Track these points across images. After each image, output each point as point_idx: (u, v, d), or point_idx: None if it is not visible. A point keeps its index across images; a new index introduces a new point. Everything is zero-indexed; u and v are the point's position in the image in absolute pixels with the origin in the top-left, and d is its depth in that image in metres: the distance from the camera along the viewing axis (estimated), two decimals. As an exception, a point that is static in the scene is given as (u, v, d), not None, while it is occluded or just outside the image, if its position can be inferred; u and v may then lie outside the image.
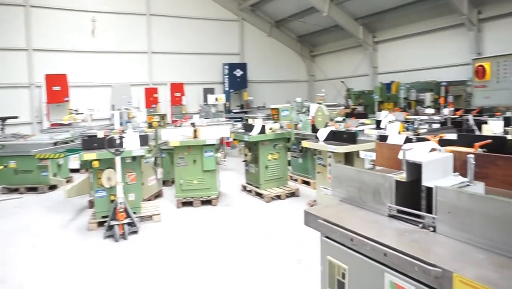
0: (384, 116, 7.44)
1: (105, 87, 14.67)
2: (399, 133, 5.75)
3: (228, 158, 10.17)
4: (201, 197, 6.65)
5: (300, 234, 4.92)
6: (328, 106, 8.12)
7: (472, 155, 2.07)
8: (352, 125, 6.92)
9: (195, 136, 6.65)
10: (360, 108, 12.05)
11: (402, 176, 2.14)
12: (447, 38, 13.20)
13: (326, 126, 6.41)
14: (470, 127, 5.32)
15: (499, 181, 2.59)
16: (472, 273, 1.44)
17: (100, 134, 6.02)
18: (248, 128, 7.38)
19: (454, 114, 6.88)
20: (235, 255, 4.53)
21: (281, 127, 7.49)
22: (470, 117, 5.58)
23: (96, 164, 5.35)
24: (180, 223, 5.82)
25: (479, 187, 2.01)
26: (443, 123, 6.33)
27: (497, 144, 3.08)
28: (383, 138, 5.14)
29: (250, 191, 7.26)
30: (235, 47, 18.02)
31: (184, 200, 6.64)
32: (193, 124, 6.97)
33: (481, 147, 3.02)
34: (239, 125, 9.94)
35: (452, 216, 1.77)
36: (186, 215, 6.20)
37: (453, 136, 3.98)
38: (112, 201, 5.39)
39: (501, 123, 4.88)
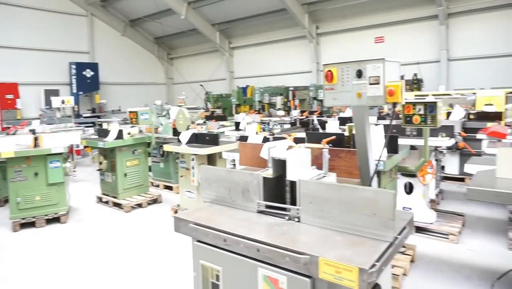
0: (242, 118, 7.84)
1: None
2: (257, 133, 6.13)
3: (79, 168, 9.04)
4: (46, 215, 5.69)
5: (165, 241, 4.70)
6: (189, 109, 8.08)
7: (326, 150, 2.30)
8: (214, 127, 7.04)
9: (36, 145, 5.66)
10: (219, 111, 12.42)
11: (269, 172, 2.24)
12: (294, 47, 14.87)
13: (188, 129, 6.34)
14: (315, 126, 6.07)
15: (343, 171, 3.00)
16: (333, 254, 1.59)
17: None
18: (103, 133, 6.71)
19: (301, 115, 7.76)
20: (93, 275, 4.01)
21: (140, 131, 7.07)
22: (314, 118, 6.36)
23: None
24: (18, 251, 4.83)
25: (332, 178, 2.25)
26: (293, 124, 7.06)
27: (338, 140, 3.57)
28: (243, 138, 5.38)
29: (107, 202, 6.60)
30: (83, 45, 16.24)
31: (24, 221, 5.56)
32: (32, 131, 5.92)
33: (327, 143, 3.45)
34: (92, 130, 8.96)
35: (313, 205, 1.93)
36: (26, 239, 5.19)
37: (302, 134, 4.45)
38: None
39: (337, 122, 5.76)
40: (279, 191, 2.21)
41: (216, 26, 16.42)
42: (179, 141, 6.08)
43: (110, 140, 6.32)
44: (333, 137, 3.48)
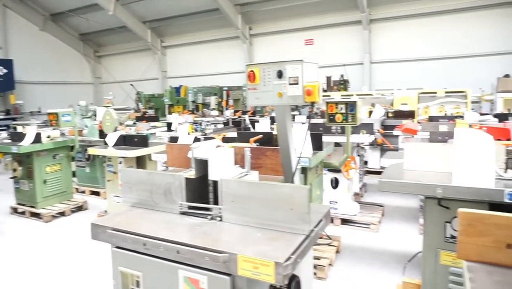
0: (175, 118, 7.68)
1: None
2: (188, 134, 6.03)
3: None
4: (-51, 230, 5.03)
5: (88, 250, 4.42)
6: (117, 109, 7.70)
7: (248, 149, 2.34)
8: (143, 128, 6.79)
9: None
10: (151, 112, 12.01)
11: (191, 173, 2.21)
12: (228, 48, 14.91)
13: (115, 130, 6.05)
14: (247, 126, 6.15)
15: (269, 169, 3.08)
16: (252, 250, 1.62)
17: None
18: (17, 137, 6.10)
19: (234, 115, 7.81)
20: (6, 294, 3.63)
21: (63, 134, 6.57)
22: (246, 117, 6.44)
23: None
24: None
25: (254, 176, 2.30)
26: (225, 123, 7.08)
27: (266, 138, 3.65)
28: (174, 139, 5.26)
29: (23, 213, 6.01)
30: (-6, 39, 14.65)
31: None
32: None
33: (255, 141, 3.51)
34: (4, 134, 8.10)
35: (235, 204, 1.95)
36: None
37: (234, 134, 4.49)
38: None
39: (268, 121, 5.90)
40: (202, 191, 2.20)
41: (147, 23, 15.86)
42: (105, 143, 5.77)
43: (25, 145, 5.77)
44: (260, 136, 3.55)
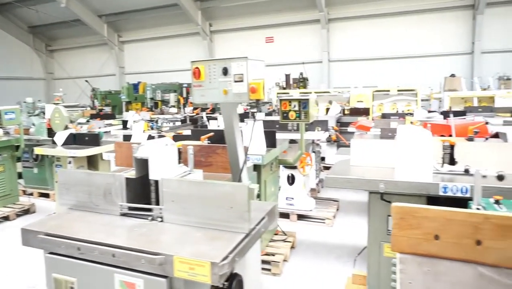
0: (131, 116, 7.44)
1: None
2: (144, 132, 5.87)
3: None
4: None
5: (30, 256, 4.19)
6: (68, 106, 7.35)
7: (191, 147, 2.30)
8: (96, 126, 6.53)
9: None
10: (107, 109, 11.58)
11: (132, 173, 2.14)
12: (188, 44, 14.66)
13: (65, 129, 5.77)
14: (204, 123, 6.08)
15: (219, 167, 3.06)
16: (189, 251, 1.59)
17: None
18: (-47, 136, 5.66)
19: (193, 113, 7.70)
20: None
21: (7, 133, 6.16)
22: (204, 115, 6.37)
23: None
24: None
25: (198, 174, 2.26)
26: (183, 121, 6.95)
27: (218, 136, 3.62)
28: (127, 138, 5.10)
29: (-38, 218, 5.59)
30: None
31: None
32: None
33: (207, 139, 3.47)
34: None
35: (176, 203, 1.91)
36: None
37: (188, 132, 4.42)
38: None
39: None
40: (145, 192, 2.13)
41: (104, 17, 15.24)
42: (54, 142, 5.49)
43: (-38, 145, 5.36)
44: (212, 134, 3.52)
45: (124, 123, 7.22)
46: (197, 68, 2.47)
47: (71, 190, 2.20)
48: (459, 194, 2.36)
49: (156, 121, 6.44)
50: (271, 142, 4.07)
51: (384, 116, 6.71)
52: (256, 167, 3.83)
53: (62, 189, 2.23)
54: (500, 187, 2.15)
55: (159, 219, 1.95)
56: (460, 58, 11.39)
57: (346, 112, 8.16)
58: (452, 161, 2.72)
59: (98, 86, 14.09)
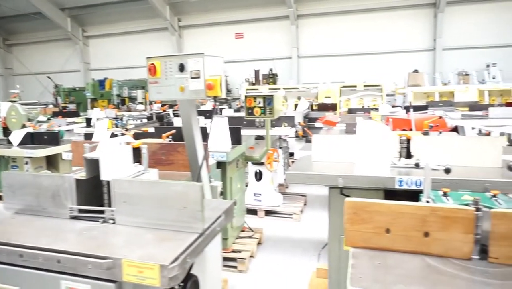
0: (95, 113, 7.20)
1: None
2: (108, 130, 5.68)
3: None
4: None
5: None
6: (26, 104, 7.01)
7: (145, 146, 2.23)
8: (56, 124, 6.26)
9: None
10: (72, 106, 11.16)
11: (83, 174, 2.05)
12: (156, 39, 14.35)
13: (23, 127, 5.50)
14: (170, 120, 5.96)
15: (181, 165, 2.99)
16: (138, 254, 1.53)
17: None
18: None
19: (161, 110, 7.54)
20: None
21: (-42, 132, 5.80)
22: (170, 112, 6.24)
23: None
24: None
25: (153, 174, 2.20)
26: (149, 118, 6.80)
27: (181, 134, 3.54)
28: (89, 136, 4.92)
29: None
30: None
31: None
32: None
33: (168, 137, 3.39)
34: None
35: (128, 204, 1.84)
36: None
37: (152, 129, 4.31)
38: None
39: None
40: (97, 193, 2.05)
41: (67, 11, 14.63)
42: (9, 142, 5.22)
43: None
44: (173, 131, 3.44)
45: (88, 121, 6.97)
46: (152, 64, 2.40)
47: (17, 194, 2.08)
48: (413, 187, 2.42)
49: (121, 119, 6.25)
50: (236, 138, 4.04)
51: (351, 111, 6.83)
52: (221, 164, 3.79)
53: (7, 192, 2.10)
54: (449, 179, 2.22)
55: (111, 221, 1.87)
56: (422, 54, 11.78)
57: (314, 107, 8.25)
58: (409, 155, 2.79)
59: (61, 83, 13.53)
